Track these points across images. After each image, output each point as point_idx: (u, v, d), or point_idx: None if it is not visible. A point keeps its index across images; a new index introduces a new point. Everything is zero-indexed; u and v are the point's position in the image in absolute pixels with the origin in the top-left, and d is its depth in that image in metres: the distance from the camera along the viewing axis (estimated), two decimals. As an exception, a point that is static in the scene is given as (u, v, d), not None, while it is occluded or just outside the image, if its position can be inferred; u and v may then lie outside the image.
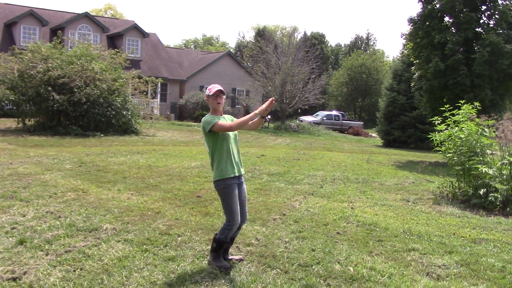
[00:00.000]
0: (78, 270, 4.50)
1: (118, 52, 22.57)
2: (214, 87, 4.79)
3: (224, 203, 4.76)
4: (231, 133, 4.79)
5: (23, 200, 7.11)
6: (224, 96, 4.85)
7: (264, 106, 4.64)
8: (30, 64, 18.80)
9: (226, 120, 4.88)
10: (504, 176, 8.77)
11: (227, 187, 4.70)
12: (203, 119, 4.74)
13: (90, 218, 6.34)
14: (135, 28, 34.13)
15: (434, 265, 5.29)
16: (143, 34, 34.49)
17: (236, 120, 4.79)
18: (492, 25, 17.15)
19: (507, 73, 16.39)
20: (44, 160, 11.24)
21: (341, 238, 6.17)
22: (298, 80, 32.51)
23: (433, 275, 4.99)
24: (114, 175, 9.84)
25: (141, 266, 4.69)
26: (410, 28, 18.26)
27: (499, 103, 16.94)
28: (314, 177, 11.36)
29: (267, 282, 4.48)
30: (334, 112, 42.40)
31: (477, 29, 17.37)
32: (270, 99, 4.64)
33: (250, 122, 4.80)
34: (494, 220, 7.81)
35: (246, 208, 5.02)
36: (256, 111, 4.69)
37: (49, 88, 18.14)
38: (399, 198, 9.45)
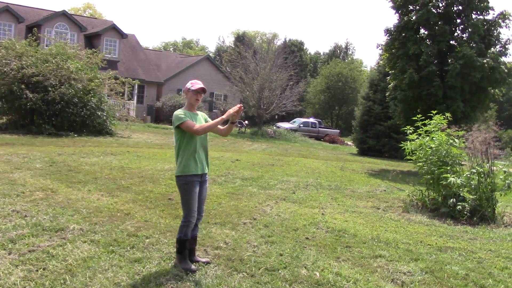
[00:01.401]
0: (41, 270, 4.43)
1: (95, 52, 22.34)
2: (197, 83, 4.82)
3: (183, 199, 4.79)
4: None
5: (-11, 199, 6.96)
6: (203, 95, 4.87)
7: (231, 111, 4.67)
8: (4, 61, 18.42)
9: (200, 118, 4.90)
10: (472, 186, 8.94)
11: (188, 184, 4.71)
12: (175, 112, 4.75)
13: (57, 218, 6.24)
14: (114, 28, 33.82)
15: (399, 272, 5.35)
16: (122, 35, 34.18)
17: (202, 124, 4.77)
18: (465, 38, 17.54)
19: (478, 86, 16.75)
20: (14, 159, 11.02)
21: (309, 243, 6.20)
22: (276, 87, 32.61)
23: (398, 281, 5.05)
24: (85, 176, 9.71)
25: (106, 267, 4.63)
26: (387, 39, 18.53)
27: (471, 115, 17.29)
28: (287, 183, 11.40)
29: (232, 286, 4.47)
30: (311, 120, 42.69)
31: (451, 42, 17.74)
32: (238, 106, 4.67)
33: (221, 127, 4.85)
34: (461, 229, 7.96)
35: (204, 206, 5.05)
36: (223, 116, 4.71)
37: (23, 86, 17.80)
38: (369, 205, 9.55)
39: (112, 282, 4.30)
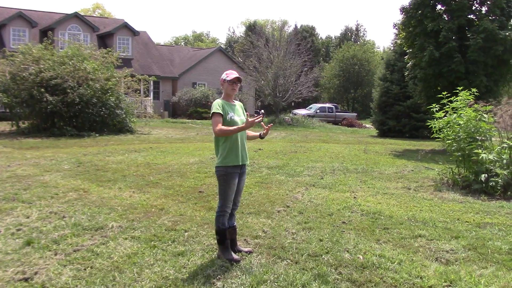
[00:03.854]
0: (89, 268, 4.48)
1: (110, 51, 22.44)
2: (232, 73, 4.85)
3: (221, 189, 4.82)
4: (239, 121, 4.79)
5: (25, 202, 7.06)
6: (240, 84, 4.89)
7: (254, 121, 4.60)
8: (22, 66, 18.67)
9: (238, 108, 4.93)
10: (504, 161, 8.81)
11: (227, 175, 4.74)
12: (214, 101, 4.79)
13: (94, 217, 6.31)
14: (125, 26, 33.93)
15: (442, 250, 5.30)
16: (134, 33, 34.28)
17: (222, 128, 4.63)
18: (484, 12, 17.19)
19: (501, 59, 16.45)
20: (42, 162, 11.16)
21: (347, 227, 6.17)
22: (290, 74, 32.41)
23: (442, 260, 5.01)
24: (113, 174, 9.80)
25: (151, 262, 4.67)
26: (403, 17, 18.27)
27: (494, 89, 17.00)
28: (313, 169, 11.35)
29: (279, 273, 4.47)
30: (327, 105, 42.46)
31: (469, 16, 17.41)
32: (260, 117, 4.67)
33: (250, 134, 5.02)
34: (496, 204, 7.85)
35: (240, 197, 5.08)
36: (243, 126, 4.64)
37: (42, 90, 18.02)
38: (400, 186, 9.48)
39: (160, 276, 4.33)
